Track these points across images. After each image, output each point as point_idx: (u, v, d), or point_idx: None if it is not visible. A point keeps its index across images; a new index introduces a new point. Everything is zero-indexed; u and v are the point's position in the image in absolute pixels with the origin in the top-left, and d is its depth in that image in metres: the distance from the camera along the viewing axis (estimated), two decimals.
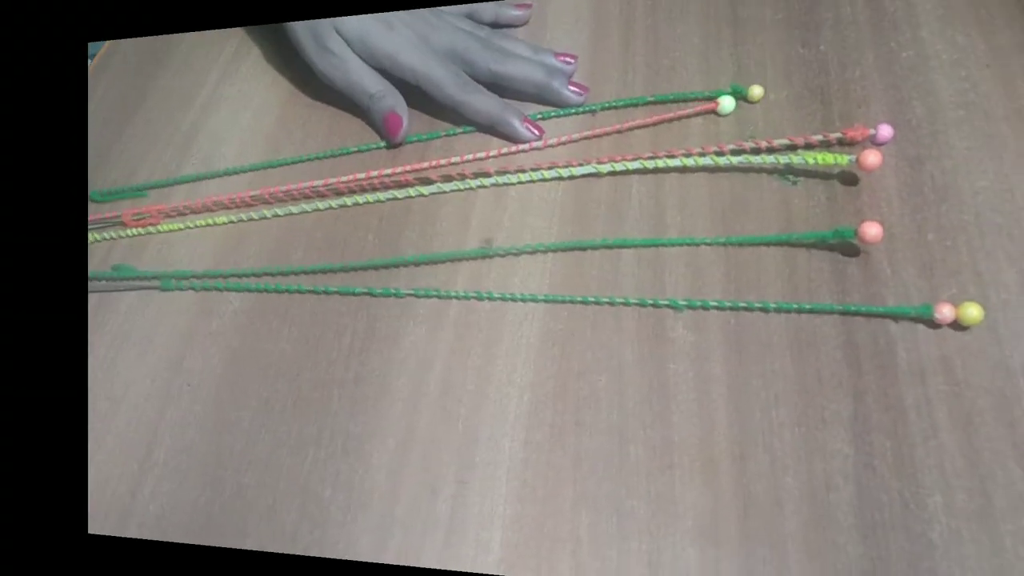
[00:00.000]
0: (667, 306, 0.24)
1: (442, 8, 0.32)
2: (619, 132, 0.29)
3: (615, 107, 0.30)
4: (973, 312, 0.21)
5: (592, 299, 0.25)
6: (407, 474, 0.23)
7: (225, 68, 0.36)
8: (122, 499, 0.24)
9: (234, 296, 0.28)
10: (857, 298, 0.24)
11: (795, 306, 0.23)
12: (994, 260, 0.24)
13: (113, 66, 0.38)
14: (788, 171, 0.27)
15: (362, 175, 0.30)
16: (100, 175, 0.33)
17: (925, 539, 0.20)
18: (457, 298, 0.26)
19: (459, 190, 0.29)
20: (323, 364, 0.25)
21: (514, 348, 0.25)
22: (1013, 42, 0.29)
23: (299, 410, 0.25)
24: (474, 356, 0.25)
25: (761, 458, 0.21)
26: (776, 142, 0.27)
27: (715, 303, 0.24)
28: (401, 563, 0.21)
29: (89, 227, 0.31)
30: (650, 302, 0.24)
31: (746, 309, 0.24)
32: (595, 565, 0.21)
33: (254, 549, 0.22)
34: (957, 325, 0.22)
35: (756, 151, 0.27)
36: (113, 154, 0.34)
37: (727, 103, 0.28)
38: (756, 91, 0.28)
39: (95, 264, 0.30)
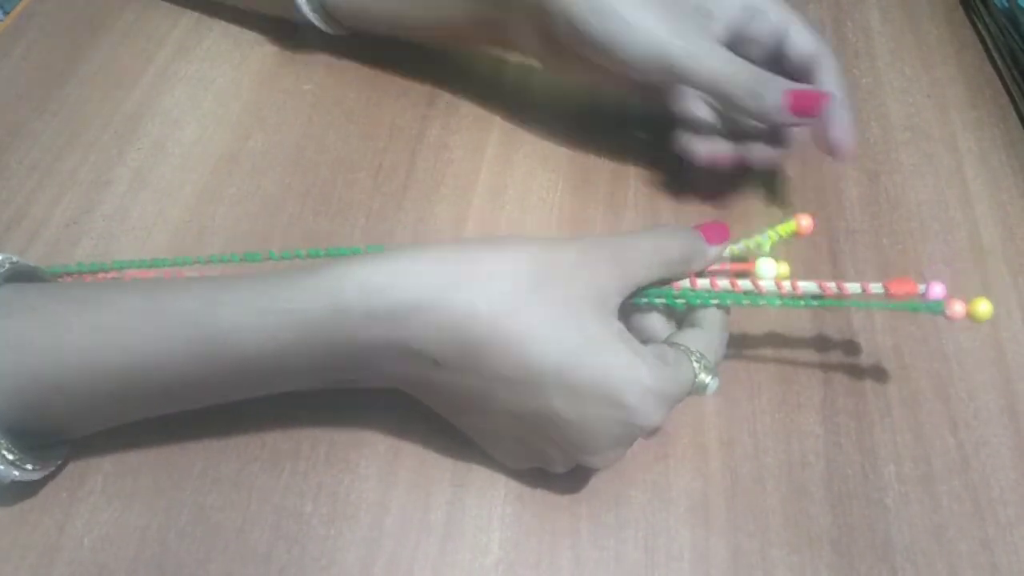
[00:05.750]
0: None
1: None
2: None
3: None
4: (984, 308, 0.21)
5: None
6: (399, 481, 0.22)
7: (180, 43, 0.33)
8: (46, 534, 0.21)
9: None
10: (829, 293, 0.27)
11: (831, 302, 0.22)
12: (934, 262, 0.28)
13: (33, 28, 0.33)
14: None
15: None
16: (14, 155, 0.29)
17: (881, 504, 0.23)
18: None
19: None
20: None
21: None
22: (948, 76, 0.34)
23: (273, 421, 0.23)
24: None
25: (746, 442, 0.24)
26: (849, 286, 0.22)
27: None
28: (392, 575, 0.21)
29: None
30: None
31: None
32: (594, 555, 0.21)
33: None
34: (969, 320, 0.21)
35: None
36: (33, 131, 0.30)
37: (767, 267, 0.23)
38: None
39: None
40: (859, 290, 0.22)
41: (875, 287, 0.22)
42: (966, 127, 0.31)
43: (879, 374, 0.25)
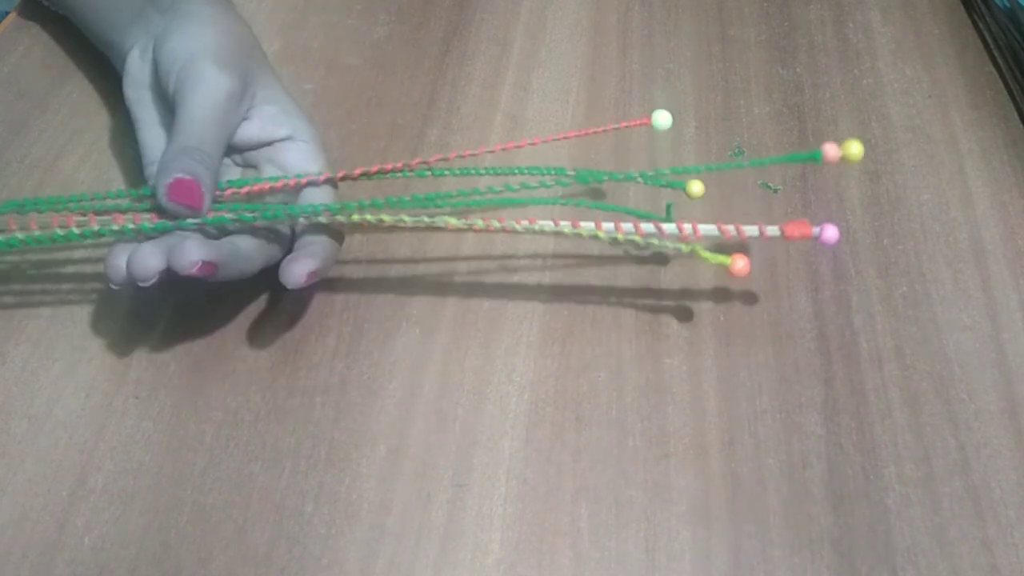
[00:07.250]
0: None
1: None
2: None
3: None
4: (855, 149, 0.23)
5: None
6: (399, 481, 0.22)
7: None
8: (46, 532, 0.21)
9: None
10: (827, 293, 0.27)
11: None
12: (935, 262, 0.28)
13: (34, 26, 0.33)
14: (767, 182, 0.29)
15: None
16: (14, 154, 0.29)
17: (882, 505, 0.23)
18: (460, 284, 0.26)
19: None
20: (303, 369, 0.24)
21: (513, 347, 0.25)
22: (949, 76, 0.34)
23: (274, 420, 0.23)
24: (472, 356, 0.25)
25: (747, 442, 0.23)
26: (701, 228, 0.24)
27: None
28: (393, 575, 0.21)
29: None
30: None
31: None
32: (595, 555, 0.21)
33: None
34: (844, 161, 0.23)
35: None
36: (33, 130, 0.30)
37: (663, 119, 0.26)
38: (695, 188, 0.26)
39: None
40: (756, 233, 0.24)
41: (772, 230, 0.24)
42: (967, 127, 0.31)
43: (880, 375, 0.25)
